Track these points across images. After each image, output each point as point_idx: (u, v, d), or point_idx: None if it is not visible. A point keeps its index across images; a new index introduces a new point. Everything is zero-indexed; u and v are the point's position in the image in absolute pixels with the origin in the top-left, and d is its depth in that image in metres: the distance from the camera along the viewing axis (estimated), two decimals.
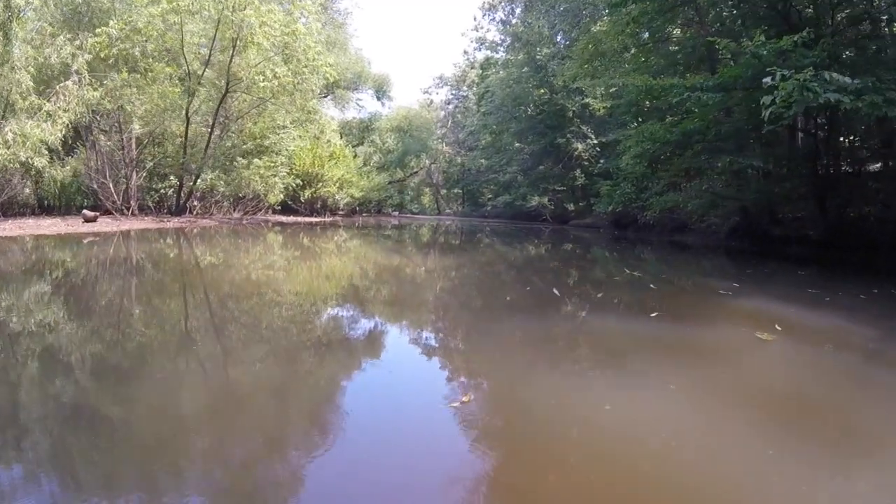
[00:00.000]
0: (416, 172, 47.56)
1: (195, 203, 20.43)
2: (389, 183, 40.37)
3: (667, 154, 13.04)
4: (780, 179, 12.81)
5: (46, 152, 12.41)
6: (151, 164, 17.91)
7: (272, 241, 11.64)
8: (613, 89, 28.16)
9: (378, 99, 42.27)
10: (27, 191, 16.31)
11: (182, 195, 17.74)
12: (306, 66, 15.99)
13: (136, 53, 14.15)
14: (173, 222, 13.99)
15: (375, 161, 40.40)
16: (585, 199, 31.22)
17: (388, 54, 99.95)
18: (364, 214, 32.88)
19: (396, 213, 40.80)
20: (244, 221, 17.86)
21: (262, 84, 15.15)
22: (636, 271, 7.77)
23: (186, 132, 16.82)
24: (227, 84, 16.58)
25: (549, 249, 12.84)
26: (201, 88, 16.60)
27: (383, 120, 43.49)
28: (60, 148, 13.42)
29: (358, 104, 43.40)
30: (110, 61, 14.16)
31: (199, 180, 17.90)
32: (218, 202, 21.39)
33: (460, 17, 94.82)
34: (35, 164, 12.04)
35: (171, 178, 17.97)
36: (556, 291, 5.99)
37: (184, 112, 16.61)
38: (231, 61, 15.58)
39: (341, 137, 32.83)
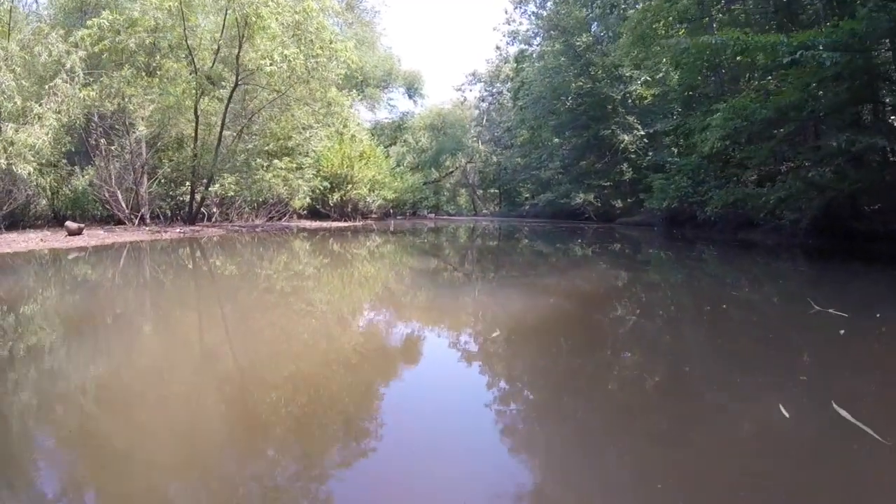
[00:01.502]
0: (452, 172, 45.82)
1: (214, 210, 19.15)
2: (425, 184, 38.80)
3: (749, 137, 10.94)
4: (884, 164, 10.59)
5: (32, 158, 11.08)
6: (168, 168, 16.64)
7: (284, 255, 9.96)
8: (660, 75, 26.23)
9: (410, 97, 40.71)
10: (44, 202, 15.44)
11: (194, 202, 16.42)
12: (322, 48, 14.25)
13: (132, 46, 12.74)
14: (172, 233, 12.40)
15: (409, 161, 38.87)
16: (633, 194, 29.03)
17: (419, 53, 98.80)
18: (398, 217, 31.36)
19: (432, 214, 38.94)
20: (258, 229, 16.27)
21: (268, 69, 13.45)
22: (831, 307, 4.65)
23: (196, 133, 15.44)
24: (237, 77, 15.10)
25: (633, 260, 10.38)
26: (211, 85, 15.24)
27: (416, 118, 41.88)
28: (49, 151, 12.03)
29: (389, 104, 42.02)
30: (104, 56, 12.84)
31: (214, 185, 16.57)
32: (239, 208, 20.11)
33: (491, 12, 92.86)
34: (18, 171, 10.73)
35: (188, 184, 16.68)
36: (840, 413, 2.33)
37: (192, 111, 15.28)
38: (240, 49, 14.03)
39: (373, 138, 31.43)
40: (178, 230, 13.16)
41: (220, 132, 15.95)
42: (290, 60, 13.35)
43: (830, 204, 11.82)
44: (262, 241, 12.25)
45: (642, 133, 28.37)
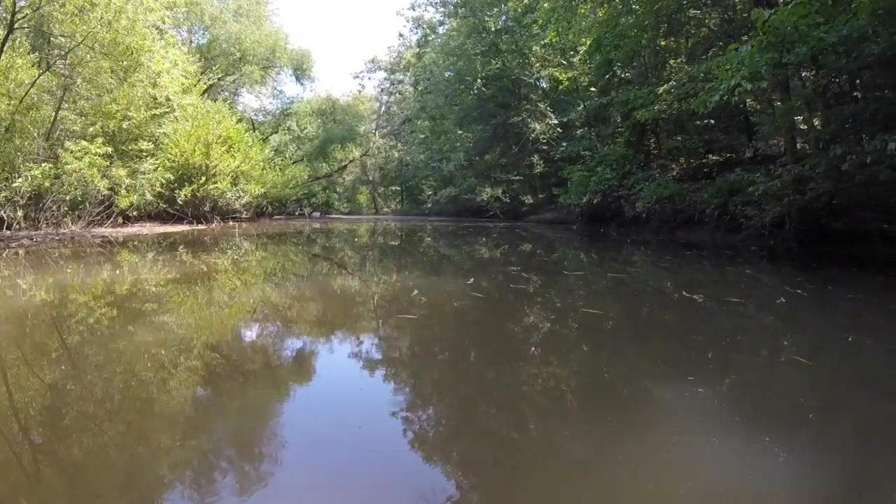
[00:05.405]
0: (345, 166, 40.95)
1: (18, 213, 13.79)
2: (314, 178, 33.98)
3: None
4: None
5: None
6: None
7: None
8: (577, 58, 23.38)
9: (298, 80, 35.43)
10: None
11: None
12: None
13: None
14: None
15: (292, 151, 33.67)
16: (545, 189, 26.09)
17: (316, 40, 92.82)
18: (276, 216, 26.52)
19: (317, 214, 33.20)
20: (14, 244, 10.87)
21: None
22: None
23: None
24: (13, 17, 10.22)
25: (602, 272, 7.37)
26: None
27: (303, 103, 36.71)
28: None
29: (276, 89, 36.42)
30: None
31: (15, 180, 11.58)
32: (49, 211, 14.72)
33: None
34: None
35: None
36: None
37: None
38: None
39: (242, 123, 26.49)
40: None
41: None
42: None
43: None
44: None
45: (555, 122, 25.46)
